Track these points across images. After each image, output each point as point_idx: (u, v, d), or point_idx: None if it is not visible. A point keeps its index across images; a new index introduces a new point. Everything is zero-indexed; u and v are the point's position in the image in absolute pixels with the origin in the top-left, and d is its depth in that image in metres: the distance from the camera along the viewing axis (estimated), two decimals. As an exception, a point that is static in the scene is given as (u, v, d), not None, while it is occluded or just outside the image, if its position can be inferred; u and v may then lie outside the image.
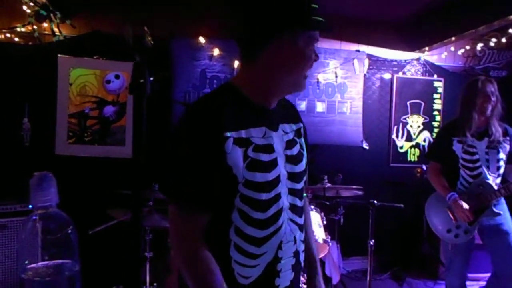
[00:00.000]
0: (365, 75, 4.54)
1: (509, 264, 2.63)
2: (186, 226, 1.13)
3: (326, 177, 3.54)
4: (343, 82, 4.45)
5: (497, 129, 2.71)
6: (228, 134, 1.10)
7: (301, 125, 1.36)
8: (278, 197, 1.18)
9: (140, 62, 0.93)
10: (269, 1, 1.13)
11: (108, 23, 3.83)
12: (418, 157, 4.68)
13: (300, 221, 1.27)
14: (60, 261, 0.98)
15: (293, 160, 1.24)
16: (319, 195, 3.48)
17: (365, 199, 3.35)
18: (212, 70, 4.15)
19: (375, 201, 3.20)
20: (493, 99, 2.67)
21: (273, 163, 1.17)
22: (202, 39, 4.07)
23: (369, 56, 4.53)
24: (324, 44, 4.41)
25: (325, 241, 3.01)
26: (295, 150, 1.26)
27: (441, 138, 2.96)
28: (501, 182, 2.75)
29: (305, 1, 1.16)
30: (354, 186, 3.56)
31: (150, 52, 0.94)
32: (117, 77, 3.90)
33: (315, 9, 1.17)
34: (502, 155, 2.71)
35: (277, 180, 1.18)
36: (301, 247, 1.29)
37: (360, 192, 3.55)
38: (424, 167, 4.47)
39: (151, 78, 0.91)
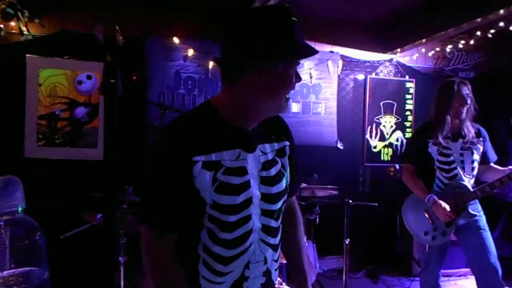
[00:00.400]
0: (339, 75, 4.59)
1: (485, 261, 2.61)
2: (155, 244, 1.16)
3: (302, 177, 3.55)
4: (318, 83, 4.49)
5: (470, 130, 2.72)
6: (197, 158, 1.11)
7: (287, 143, 1.34)
8: (247, 219, 1.18)
9: (111, 61, 0.90)
10: (252, 31, 1.13)
11: (79, 22, 3.73)
12: (391, 156, 4.77)
13: (274, 241, 1.27)
14: (27, 268, 0.95)
15: (269, 181, 1.23)
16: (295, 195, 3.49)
17: (340, 198, 3.39)
18: (187, 70, 4.11)
19: (350, 201, 3.23)
20: (469, 101, 2.68)
21: (244, 186, 1.17)
22: (176, 40, 4.03)
23: (343, 57, 4.59)
24: (298, 45, 4.43)
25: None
26: (273, 171, 1.25)
27: (416, 140, 2.93)
28: (475, 182, 2.76)
29: (288, 34, 1.15)
30: (329, 186, 3.60)
31: (121, 52, 0.91)
32: (89, 77, 3.81)
33: (298, 39, 1.16)
34: (476, 156, 2.72)
35: (247, 202, 1.18)
36: (274, 266, 1.29)
37: (335, 192, 3.59)
38: (397, 166, 4.55)
39: (120, 79, 0.89)
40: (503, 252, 3.63)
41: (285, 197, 1.30)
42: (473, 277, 4.34)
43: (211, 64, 4.09)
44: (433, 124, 2.79)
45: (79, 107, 3.81)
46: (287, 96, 1.21)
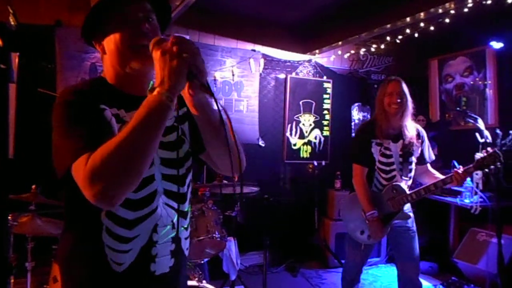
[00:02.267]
0: (260, 74, 4.65)
1: (410, 260, 2.71)
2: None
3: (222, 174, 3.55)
4: (240, 80, 4.52)
5: (409, 131, 2.70)
6: (103, 106, 1.14)
7: (185, 109, 1.26)
8: (151, 179, 1.17)
9: (3, 47, 0.82)
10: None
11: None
12: (310, 153, 4.94)
13: (181, 207, 1.24)
14: None
15: (168, 146, 1.22)
16: (216, 193, 3.48)
17: (261, 195, 3.44)
18: (103, 64, 3.91)
19: (270, 197, 3.29)
20: (399, 99, 2.64)
21: None
22: (91, 30, 3.80)
23: (264, 56, 4.66)
24: (221, 42, 4.42)
25: (222, 237, 3.02)
26: (172, 137, 1.24)
27: (360, 140, 2.85)
28: (412, 183, 2.79)
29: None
30: (250, 182, 3.63)
31: (14, 35, 0.83)
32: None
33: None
34: (414, 158, 2.73)
35: None
36: (184, 233, 1.28)
37: (256, 188, 3.63)
38: (315, 163, 4.73)
39: (12, 65, 0.80)
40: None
41: (189, 163, 1.30)
42: (383, 265, 4.66)
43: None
44: (374, 123, 2.78)
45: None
46: (138, 43, 1.14)
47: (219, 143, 1.18)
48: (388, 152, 2.70)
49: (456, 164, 3.89)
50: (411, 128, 2.72)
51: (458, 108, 4.52)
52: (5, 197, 0.85)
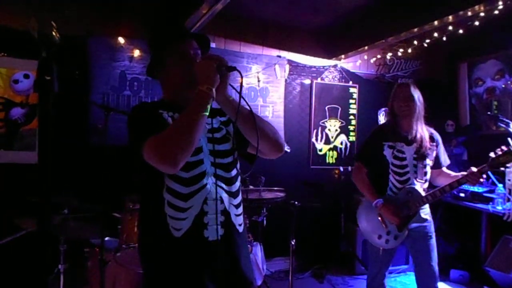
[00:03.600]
0: (286, 80, 4.67)
1: (428, 267, 2.67)
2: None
3: (248, 179, 3.58)
4: (265, 86, 4.55)
5: (423, 135, 2.69)
6: (161, 111, 1.53)
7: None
8: (200, 162, 1.51)
9: (47, 58, 0.86)
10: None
11: (13, 17, 3.52)
12: (336, 159, 4.92)
13: (227, 188, 1.56)
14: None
15: (216, 141, 1.58)
16: (242, 198, 3.50)
17: (287, 200, 3.44)
18: (133, 71, 4.01)
19: (296, 202, 3.29)
20: (408, 103, 2.66)
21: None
22: (121, 39, 3.92)
23: (290, 62, 4.68)
24: (247, 49, 4.47)
25: (248, 242, 3.04)
26: (218, 134, 1.61)
27: (372, 142, 2.86)
28: (428, 187, 2.75)
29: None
30: (276, 188, 3.64)
31: (59, 49, 0.87)
32: (26, 76, 3.61)
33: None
34: (429, 161, 2.72)
35: (198, 150, 1.51)
36: (233, 210, 1.56)
37: (282, 194, 3.63)
38: (342, 169, 4.70)
39: (57, 77, 0.85)
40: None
41: (233, 155, 1.62)
42: (411, 273, 4.58)
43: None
44: (387, 126, 2.80)
45: (15, 107, 3.60)
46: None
47: (251, 129, 1.53)
48: (401, 155, 2.70)
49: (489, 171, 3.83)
50: (423, 131, 2.71)
51: (489, 113, 4.41)
52: (48, 200, 0.90)
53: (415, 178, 2.69)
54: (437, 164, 2.80)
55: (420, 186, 2.69)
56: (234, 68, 1.51)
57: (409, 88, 2.70)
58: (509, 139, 2.96)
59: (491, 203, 3.80)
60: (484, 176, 2.57)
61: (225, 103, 1.54)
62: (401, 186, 2.70)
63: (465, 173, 2.59)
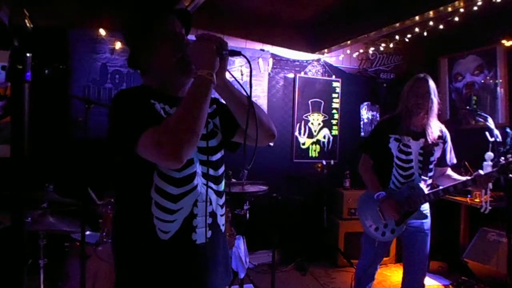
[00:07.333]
0: (269, 74, 4.68)
1: (419, 261, 2.69)
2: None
3: (231, 173, 3.58)
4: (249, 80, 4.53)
5: (433, 131, 2.64)
6: (153, 101, 1.36)
7: (214, 106, 1.56)
8: (190, 162, 1.38)
9: (19, 47, 0.85)
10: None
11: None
12: (318, 153, 4.95)
13: (216, 187, 1.47)
14: None
15: (206, 137, 1.45)
16: (225, 191, 3.50)
17: (270, 193, 3.46)
18: (114, 64, 3.97)
19: (279, 196, 3.31)
20: (425, 99, 2.59)
21: None
22: (102, 31, 3.86)
23: (273, 56, 4.68)
24: (230, 42, 4.41)
25: (231, 236, 3.05)
26: (206, 129, 1.48)
27: (378, 133, 2.81)
28: (431, 184, 2.74)
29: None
30: (259, 181, 3.65)
31: (30, 36, 0.86)
32: (3, 68, 3.52)
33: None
34: (435, 158, 2.69)
35: None
36: (219, 210, 1.49)
37: (264, 187, 3.65)
38: (324, 162, 4.73)
39: (30, 66, 0.83)
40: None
41: (221, 152, 1.54)
42: (392, 265, 4.65)
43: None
44: (396, 119, 2.73)
45: (-7, 100, 3.53)
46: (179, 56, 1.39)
47: (251, 117, 1.40)
48: (407, 149, 2.65)
49: (467, 164, 3.90)
50: (435, 128, 2.66)
51: (468, 107, 4.48)
52: (21, 194, 0.88)
53: (419, 174, 2.66)
54: (442, 162, 2.75)
55: (424, 183, 2.65)
56: (239, 53, 1.39)
57: (427, 84, 2.62)
58: (487, 133, 3.02)
59: (469, 195, 3.88)
60: (492, 181, 2.53)
61: (223, 89, 1.42)
62: (404, 181, 2.66)
63: (469, 177, 2.56)
